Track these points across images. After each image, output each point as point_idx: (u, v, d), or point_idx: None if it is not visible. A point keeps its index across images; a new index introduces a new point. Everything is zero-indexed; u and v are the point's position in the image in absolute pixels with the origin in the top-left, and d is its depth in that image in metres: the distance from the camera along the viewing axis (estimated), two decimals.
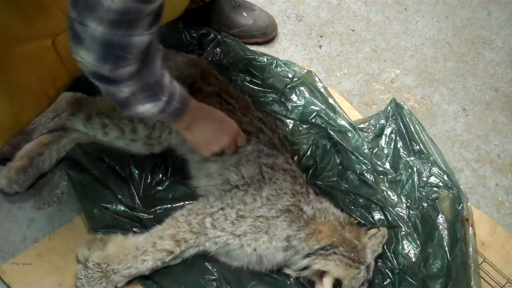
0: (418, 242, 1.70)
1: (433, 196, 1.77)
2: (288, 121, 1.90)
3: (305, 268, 1.55)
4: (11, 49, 1.41)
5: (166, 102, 1.29)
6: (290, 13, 2.31)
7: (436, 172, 1.81)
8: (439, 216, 1.71)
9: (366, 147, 1.84)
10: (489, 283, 1.69)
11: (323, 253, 1.53)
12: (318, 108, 1.90)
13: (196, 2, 2.01)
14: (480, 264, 1.70)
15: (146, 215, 1.64)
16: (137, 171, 1.73)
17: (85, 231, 1.63)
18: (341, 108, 1.92)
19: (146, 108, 1.27)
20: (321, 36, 2.26)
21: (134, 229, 1.61)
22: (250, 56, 2.01)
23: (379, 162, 1.85)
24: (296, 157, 1.81)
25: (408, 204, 1.77)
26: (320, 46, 2.23)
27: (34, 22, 1.39)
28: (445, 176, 1.80)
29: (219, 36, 2.04)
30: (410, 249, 1.69)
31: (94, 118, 1.66)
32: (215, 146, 1.53)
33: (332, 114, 1.89)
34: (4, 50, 1.39)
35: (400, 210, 1.75)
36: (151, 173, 1.74)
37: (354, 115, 1.99)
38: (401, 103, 1.96)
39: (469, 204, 1.77)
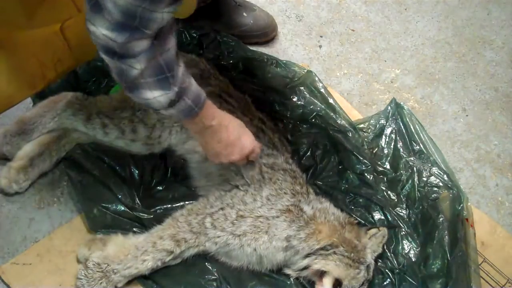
0: (418, 242, 1.70)
1: (433, 196, 1.76)
2: (288, 121, 1.89)
3: (305, 268, 1.55)
4: (14, 34, 1.41)
5: (177, 94, 1.25)
6: (290, 13, 2.31)
7: (436, 172, 1.81)
8: (439, 216, 1.71)
9: (366, 147, 1.84)
10: (489, 283, 1.69)
11: (323, 253, 1.53)
12: (318, 108, 1.90)
13: (198, 3, 2.01)
14: (480, 264, 1.70)
15: (146, 215, 1.64)
16: (137, 171, 1.73)
17: (85, 231, 1.63)
18: (341, 108, 1.91)
19: (155, 95, 1.23)
20: (321, 36, 2.26)
21: (134, 229, 1.61)
22: (250, 56, 2.01)
23: (379, 162, 1.85)
24: (296, 157, 1.81)
25: (408, 204, 1.77)
26: (320, 46, 2.23)
27: (36, 15, 1.40)
28: (445, 176, 1.80)
29: (219, 36, 2.04)
30: (410, 249, 1.69)
31: (94, 118, 1.66)
32: (224, 159, 1.47)
33: (332, 114, 1.89)
34: (7, 35, 1.39)
35: (400, 210, 1.75)
36: (151, 173, 1.75)
37: (354, 115, 1.99)
38: (401, 103, 1.96)
39: (469, 204, 1.77)
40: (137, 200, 1.67)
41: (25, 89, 1.53)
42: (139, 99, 1.26)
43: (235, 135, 1.44)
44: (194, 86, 1.30)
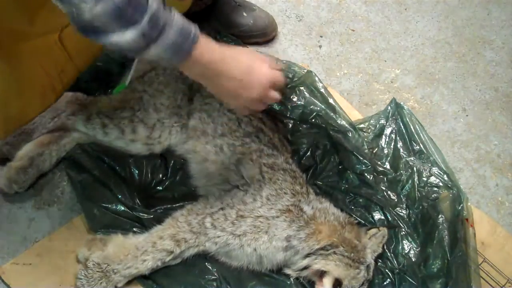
0: (418, 242, 1.70)
1: (433, 196, 1.76)
2: (288, 121, 1.89)
3: (305, 268, 1.55)
4: (18, 44, 1.41)
5: (149, 25, 1.09)
6: (290, 13, 2.31)
7: (436, 172, 1.81)
8: (439, 216, 1.71)
9: (366, 147, 1.84)
10: (489, 283, 1.69)
11: (323, 253, 1.53)
12: (318, 108, 1.90)
13: (199, 5, 2.01)
14: (480, 264, 1.70)
15: (146, 215, 1.64)
16: (137, 171, 1.73)
17: (85, 231, 1.63)
18: (341, 108, 1.91)
19: (124, 34, 1.09)
20: (321, 36, 2.26)
21: (134, 229, 1.61)
22: None
23: (379, 162, 1.84)
24: (296, 157, 1.81)
25: (408, 204, 1.77)
26: (320, 46, 2.23)
27: (37, 19, 1.40)
28: (445, 176, 1.80)
29: (219, 36, 2.04)
30: (410, 249, 1.69)
31: (94, 118, 1.66)
32: (247, 101, 1.33)
33: (332, 114, 1.89)
34: (12, 45, 1.39)
35: (400, 210, 1.75)
36: (151, 173, 1.74)
37: (354, 115, 1.99)
38: (401, 103, 1.96)
39: (469, 204, 1.77)
40: (137, 200, 1.67)
41: (37, 102, 1.52)
42: (110, 45, 1.13)
43: (246, 63, 1.26)
44: (178, 18, 1.15)
